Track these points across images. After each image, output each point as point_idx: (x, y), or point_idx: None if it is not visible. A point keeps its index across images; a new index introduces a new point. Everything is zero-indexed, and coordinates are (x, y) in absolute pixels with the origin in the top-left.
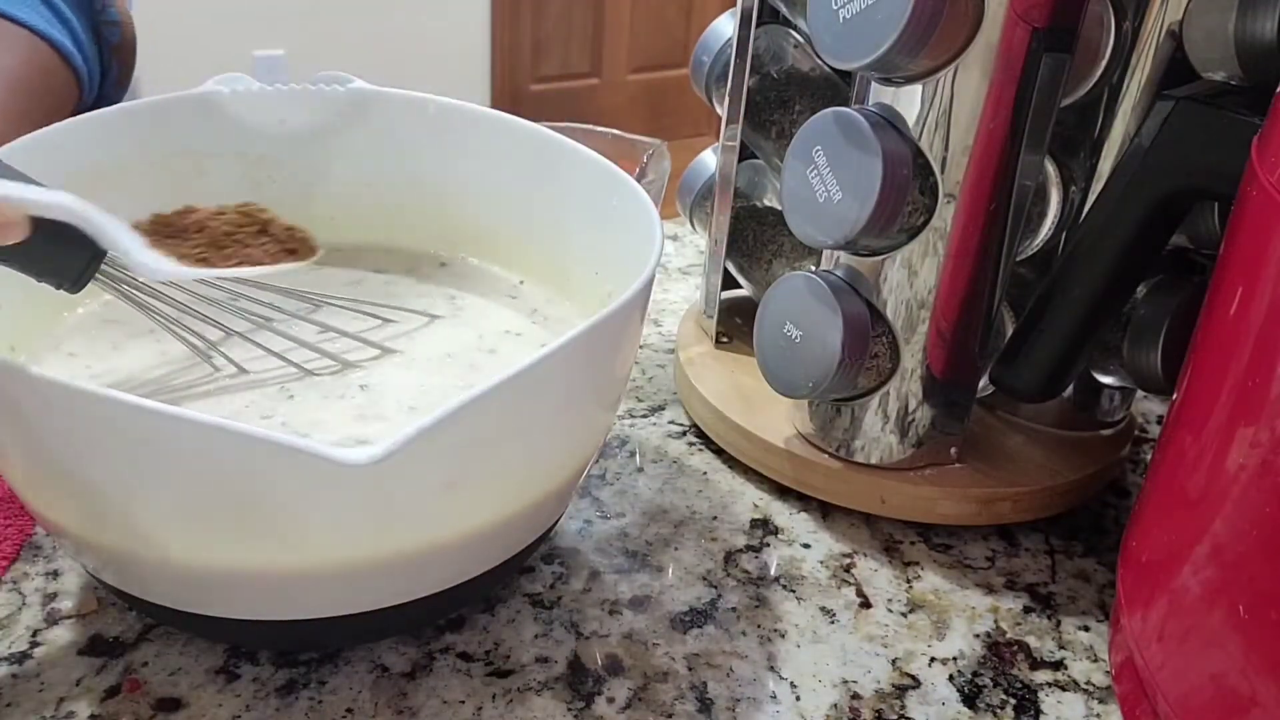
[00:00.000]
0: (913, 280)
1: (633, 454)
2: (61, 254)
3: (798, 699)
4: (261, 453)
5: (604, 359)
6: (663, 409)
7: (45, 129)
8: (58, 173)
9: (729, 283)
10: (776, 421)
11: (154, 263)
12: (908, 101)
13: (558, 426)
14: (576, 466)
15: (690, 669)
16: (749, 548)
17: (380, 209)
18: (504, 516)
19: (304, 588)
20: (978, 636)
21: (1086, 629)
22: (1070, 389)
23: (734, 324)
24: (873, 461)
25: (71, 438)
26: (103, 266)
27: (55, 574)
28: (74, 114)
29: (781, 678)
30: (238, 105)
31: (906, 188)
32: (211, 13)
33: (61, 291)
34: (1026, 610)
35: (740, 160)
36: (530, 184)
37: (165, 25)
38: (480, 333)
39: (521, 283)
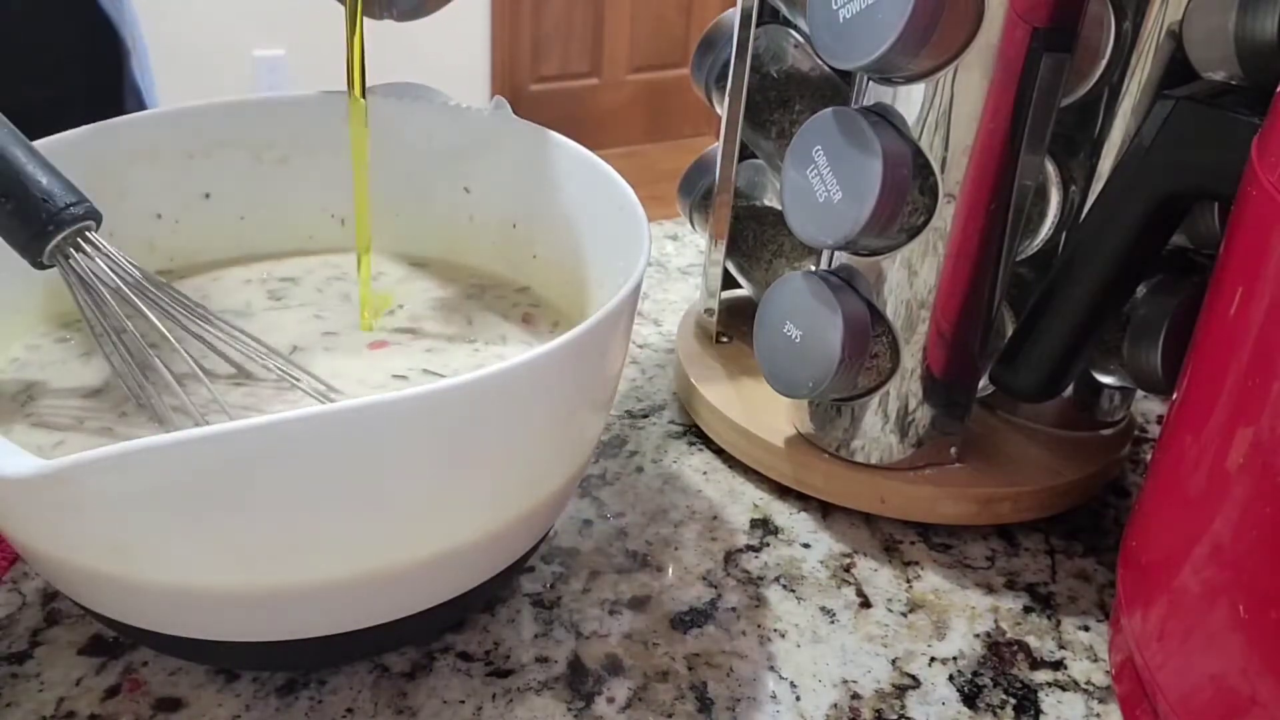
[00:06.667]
0: (913, 280)
1: (633, 454)
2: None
3: (798, 699)
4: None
5: (592, 365)
6: (663, 409)
7: (100, 123)
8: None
9: (729, 283)
10: (776, 421)
11: None
12: (908, 101)
13: (546, 433)
14: (567, 475)
15: (690, 669)
16: (749, 548)
17: (381, 210)
18: (493, 529)
19: (284, 608)
20: (978, 636)
21: (1086, 629)
22: (1070, 389)
23: (734, 324)
24: (872, 461)
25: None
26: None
27: None
28: None
29: (781, 678)
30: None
31: (906, 188)
32: (211, 13)
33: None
34: (1026, 610)
35: (740, 160)
36: (528, 184)
37: (165, 25)
38: (480, 333)
39: (524, 280)
